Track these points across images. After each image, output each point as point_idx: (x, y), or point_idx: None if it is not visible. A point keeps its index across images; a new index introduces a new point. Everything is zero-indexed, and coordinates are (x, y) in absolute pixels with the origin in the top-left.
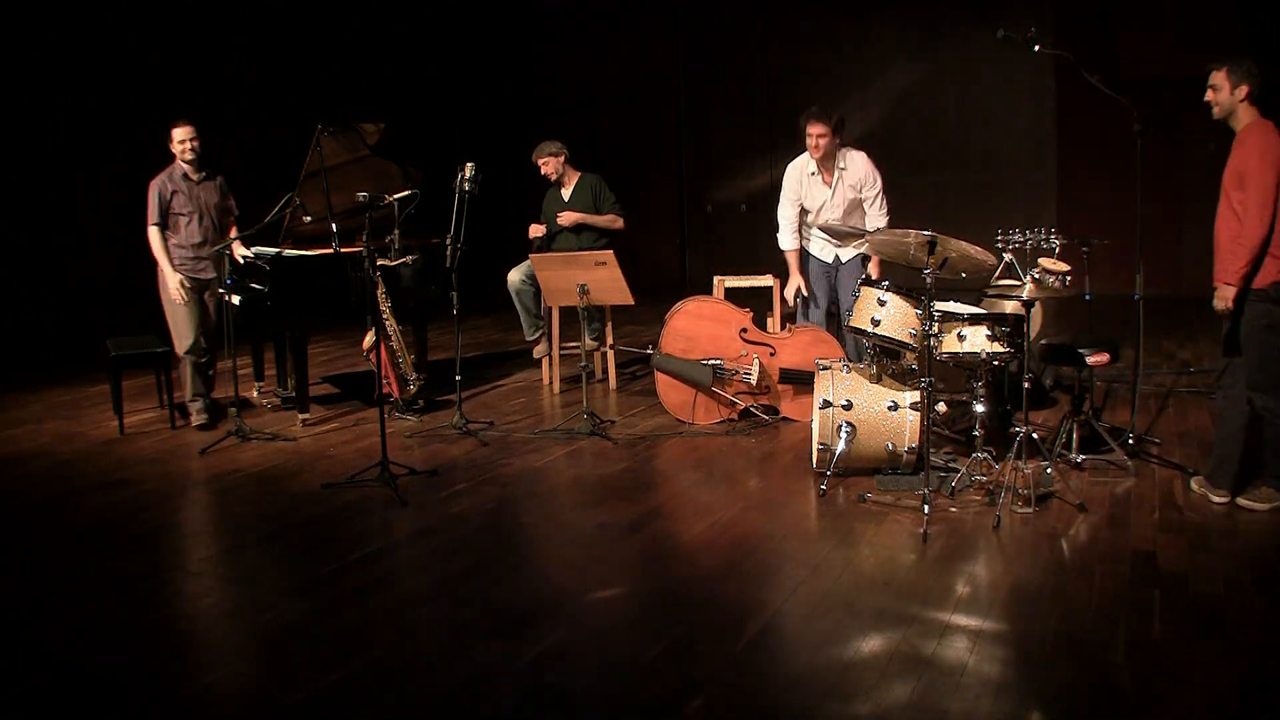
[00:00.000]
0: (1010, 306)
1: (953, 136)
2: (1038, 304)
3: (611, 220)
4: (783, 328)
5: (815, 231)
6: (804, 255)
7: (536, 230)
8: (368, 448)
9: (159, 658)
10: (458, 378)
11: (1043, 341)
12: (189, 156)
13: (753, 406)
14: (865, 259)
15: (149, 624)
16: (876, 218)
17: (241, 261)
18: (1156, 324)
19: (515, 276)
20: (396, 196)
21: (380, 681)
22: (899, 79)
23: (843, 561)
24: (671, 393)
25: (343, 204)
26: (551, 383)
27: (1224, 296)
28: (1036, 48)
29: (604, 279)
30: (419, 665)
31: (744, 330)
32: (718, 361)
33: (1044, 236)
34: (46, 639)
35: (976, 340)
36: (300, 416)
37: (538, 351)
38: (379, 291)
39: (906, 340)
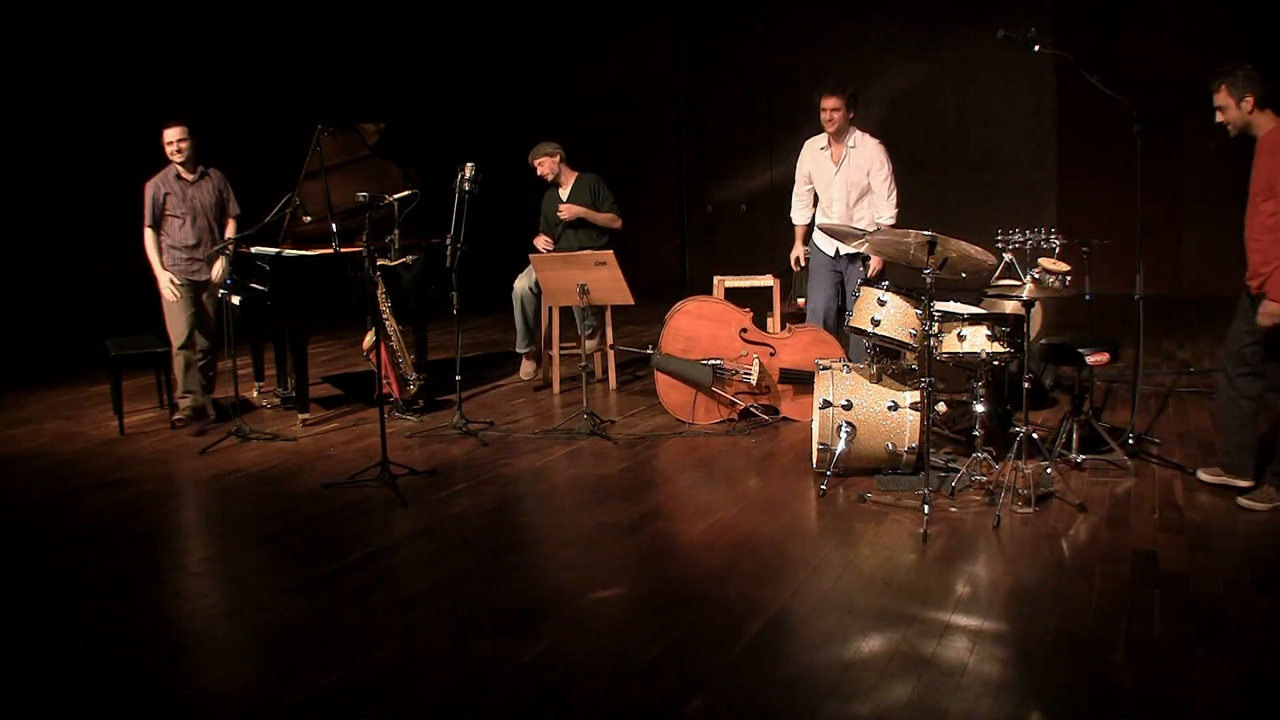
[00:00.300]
0: (1010, 306)
1: (953, 136)
2: (1038, 304)
3: (610, 219)
4: (783, 328)
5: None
6: (812, 246)
7: (543, 243)
8: (368, 448)
9: (159, 658)
10: (458, 378)
11: (1043, 341)
12: (179, 158)
13: (753, 406)
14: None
15: (149, 624)
16: (884, 206)
17: (231, 252)
18: (1156, 324)
19: (521, 284)
20: (396, 196)
21: (380, 681)
22: (899, 79)
23: (843, 561)
24: (671, 393)
25: (343, 204)
26: (551, 383)
27: (1272, 313)
28: (1036, 48)
29: (604, 279)
30: (419, 665)
31: (744, 330)
32: (718, 361)
33: (1044, 236)
34: (46, 639)
35: (976, 340)
36: (300, 416)
37: (525, 372)
38: (379, 291)
39: (906, 340)
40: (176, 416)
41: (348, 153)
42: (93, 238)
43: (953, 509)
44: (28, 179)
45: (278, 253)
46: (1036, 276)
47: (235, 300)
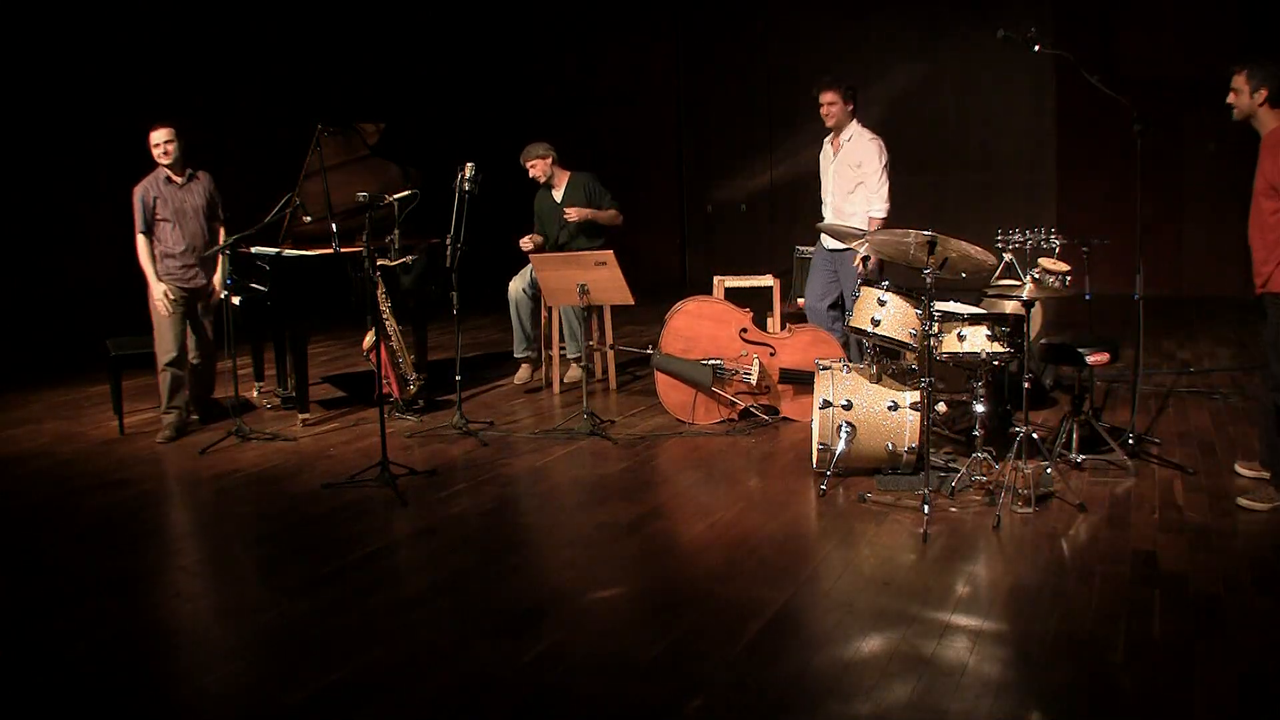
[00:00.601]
0: (1010, 306)
1: (953, 136)
2: (1038, 304)
3: (614, 217)
4: (783, 328)
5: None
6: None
7: (528, 243)
8: (368, 448)
9: (159, 658)
10: (458, 378)
11: (1043, 341)
12: (166, 160)
13: (753, 406)
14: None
15: (149, 624)
16: (873, 198)
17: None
18: (1156, 324)
19: (516, 285)
20: (396, 196)
21: (380, 681)
22: (899, 79)
23: (843, 561)
24: (671, 393)
25: (343, 204)
26: (552, 383)
27: None
28: (1036, 48)
29: (604, 279)
30: (419, 665)
31: (744, 330)
32: (718, 361)
33: (1044, 236)
34: (46, 639)
35: (976, 340)
36: (300, 416)
37: (520, 377)
38: (379, 291)
39: (906, 340)
40: (158, 439)
41: (348, 153)
42: (93, 238)
43: (953, 509)
44: (28, 179)
45: (278, 253)
46: (1036, 276)
47: (235, 300)
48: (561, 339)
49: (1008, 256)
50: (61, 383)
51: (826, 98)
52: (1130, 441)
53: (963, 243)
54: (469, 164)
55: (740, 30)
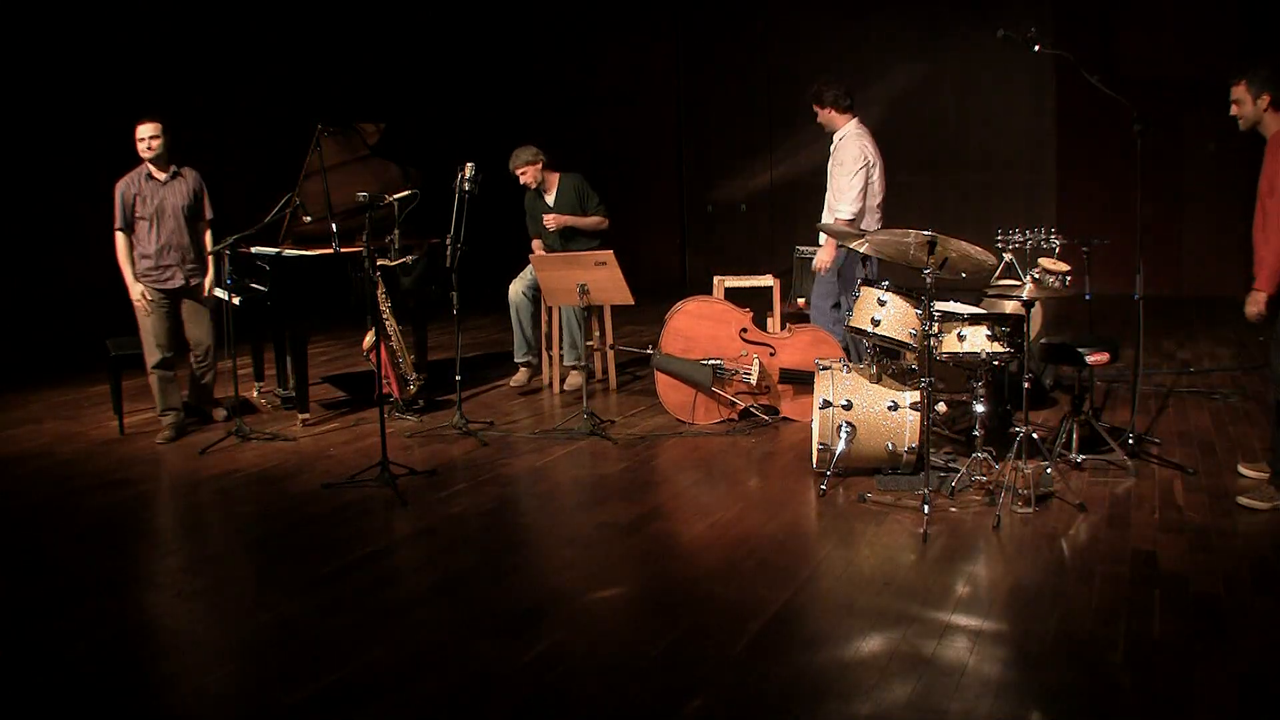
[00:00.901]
0: (1010, 306)
1: (953, 136)
2: (1038, 304)
3: (598, 222)
4: (783, 328)
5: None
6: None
7: (540, 248)
8: (368, 448)
9: (159, 658)
10: (458, 378)
11: (1043, 341)
12: (149, 155)
13: (753, 406)
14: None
15: (149, 624)
16: (837, 197)
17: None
18: (1156, 324)
19: (516, 288)
20: (396, 196)
21: (380, 681)
22: (899, 79)
23: (843, 561)
24: (671, 393)
25: (343, 204)
26: (552, 383)
27: (1255, 301)
28: (1036, 48)
29: (604, 279)
30: (419, 665)
31: (744, 330)
32: (718, 361)
33: (1044, 236)
34: (46, 639)
35: (976, 340)
36: (300, 416)
37: (516, 379)
38: (379, 291)
39: (906, 340)
40: (158, 440)
41: (348, 153)
42: (93, 238)
43: (953, 509)
44: (28, 179)
45: (278, 253)
46: (1036, 276)
47: (235, 300)
48: (561, 343)
49: (1008, 256)
50: (61, 383)
51: (816, 110)
52: (1130, 441)
53: (963, 243)
54: (469, 164)
55: (740, 30)
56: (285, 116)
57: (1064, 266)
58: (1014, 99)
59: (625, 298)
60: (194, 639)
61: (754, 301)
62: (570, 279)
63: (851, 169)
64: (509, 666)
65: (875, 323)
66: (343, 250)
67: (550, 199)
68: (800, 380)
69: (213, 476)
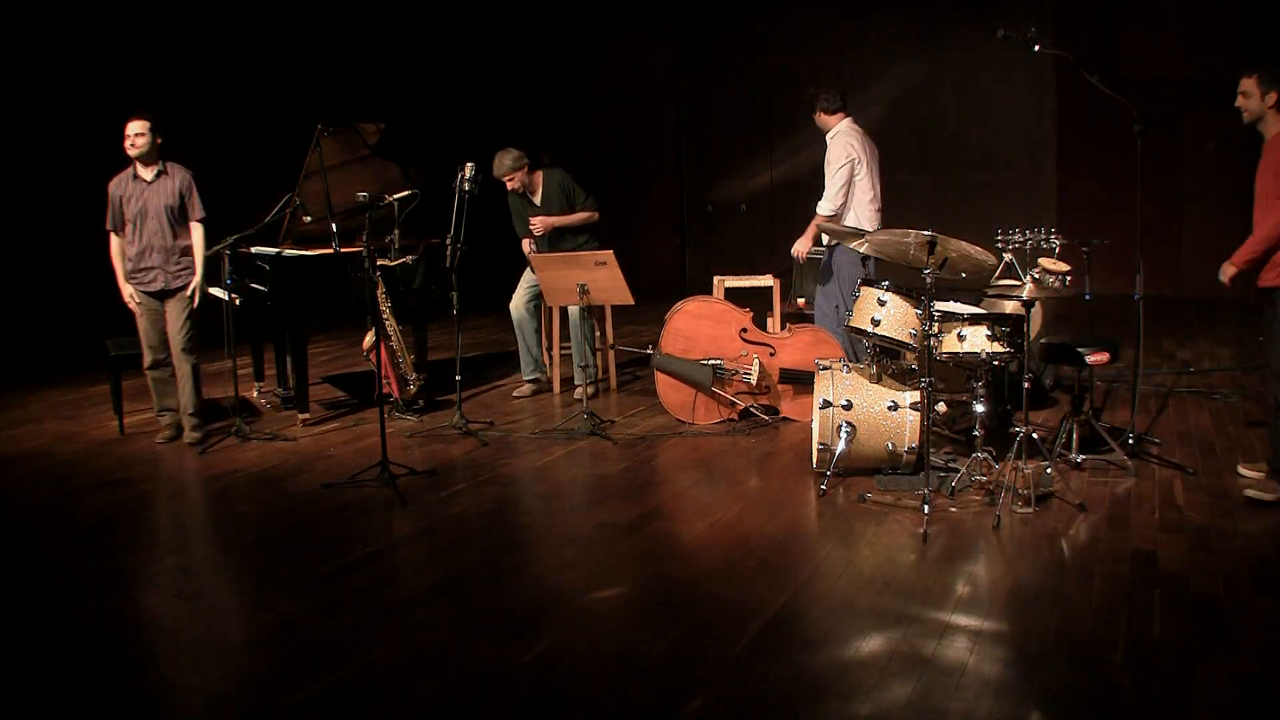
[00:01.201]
0: (1010, 306)
1: (953, 136)
2: (1038, 304)
3: (587, 217)
4: (783, 328)
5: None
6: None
7: (530, 245)
8: (368, 448)
9: (159, 657)
10: (458, 378)
11: (1043, 341)
12: (133, 152)
13: (753, 406)
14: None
15: (149, 624)
16: (824, 195)
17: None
18: (1156, 324)
19: (517, 303)
20: (396, 196)
21: (380, 681)
22: (899, 79)
23: (843, 561)
24: (671, 393)
25: (343, 204)
26: (552, 384)
27: (1224, 270)
28: (1036, 48)
29: (604, 279)
30: (419, 665)
31: (744, 330)
32: (718, 361)
33: (1044, 236)
34: (46, 639)
35: (976, 340)
36: (300, 416)
37: (521, 392)
38: (379, 291)
39: (906, 340)
40: (158, 440)
41: (348, 153)
42: (92, 238)
43: (953, 509)
44: (28, 179)
45: (278, 253)
46: (1036, 276)
47: (236, 300)
48: (565, 341)
49: (1008, 256)
50: (61, 383)
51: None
52: (1130, 441)
53: (963, 243)
54: (469, 164)
55: (740, 30)
56: (285, 116)
57: (1064, 266)
58: (1014, 99)
59: (625, 298)
60: (194, 639)
61: (754, 301)
62: (570, 279)
63: (834, 166)
64: (509, 666)
65: (875, 323)
66: (343, 250)
67: (537, 200)
68: (800, 380)
69: (213, 476)
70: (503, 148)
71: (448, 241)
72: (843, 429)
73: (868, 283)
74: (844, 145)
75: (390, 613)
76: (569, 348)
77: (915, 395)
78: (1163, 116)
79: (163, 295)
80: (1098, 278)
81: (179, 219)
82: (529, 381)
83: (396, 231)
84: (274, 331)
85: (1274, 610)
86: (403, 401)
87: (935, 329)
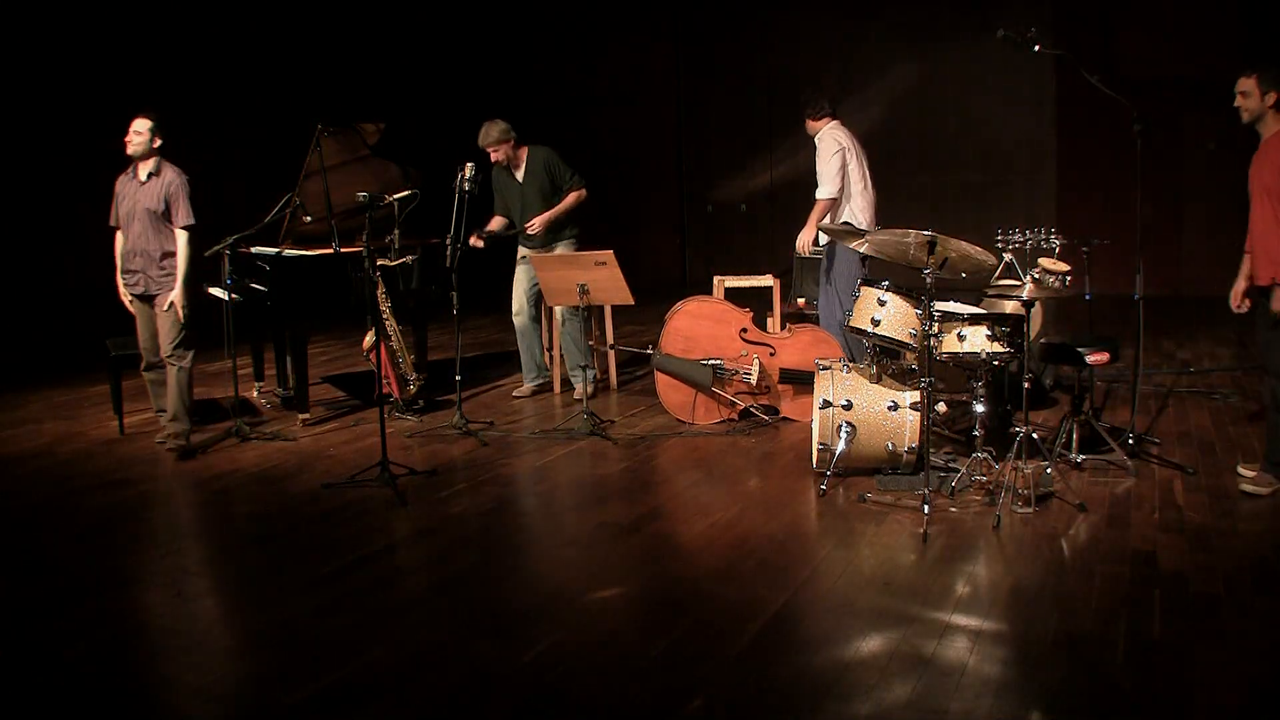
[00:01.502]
0: (1010, 306)
1: (952, 136)
2: (1038, 304)
3: (574, 200)
4: (783, 328)
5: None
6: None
7: (479, 241)
8: (368, 448)
9: (159, 658)
10: (458, 378)
11: (1043, 341)
12: (129, 150)
13: (753, 406)
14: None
15: (149, 624)
16: (820, 183)
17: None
18: (1156, 324)
19: (520, 315)
20: (396, 196)
21: (380, 681)
22: (899, 79)
23: (843, 561)
24: (671, 393)
25: (343, 204)
26: (552, 384)
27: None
28: (1036, 48)
29: (604, 279)
30: (419, 665)
31: (744, 330)
32: (718, 361)
33: (1044, 236)
34: (46, 639)
35: (976, 340)
36: (300, 416)
37: (522, 392)
38: (379, 291)
39: (906, 340)
40: (158, 440)
41: (348, 153)
42: (93, 238)
43: (953, 509)
44: (28, 179)
45: (278, 253)
46: (1036, 276)
47: (235, 299)
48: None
49: (1008, 256)
50: (61, 383)
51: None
52: (1130, 441)
53: (963, 243)
54: (469, 164)
55: (740, 30)
56: (285, 116)
57: (1064, 266)
58: (1014, 99)
59: (625, 298)
60: (194, 639)
61: (754, 301)
62: (570, 279)
63: (827, 155)
64: (509, 666)
65: (875, 323)
66: (343, 250)
67: (519, 175)
68: (800, 380)
69: (213, 476)
70: (491, 119)
71: (448, 241)
72: (843, 429)
73: (868, 283)
74: (832, 138)
75: (390, 613)
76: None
77: (915, 395)
78: (1163, 116)
79: (148, 299)
80: (1098, 278)
81: (163, 223)
82: (532, 384)
83: (396, 231)
84: (274, 331)
85: (1274, 610)
86: (403, 401)
87: (935, 329)
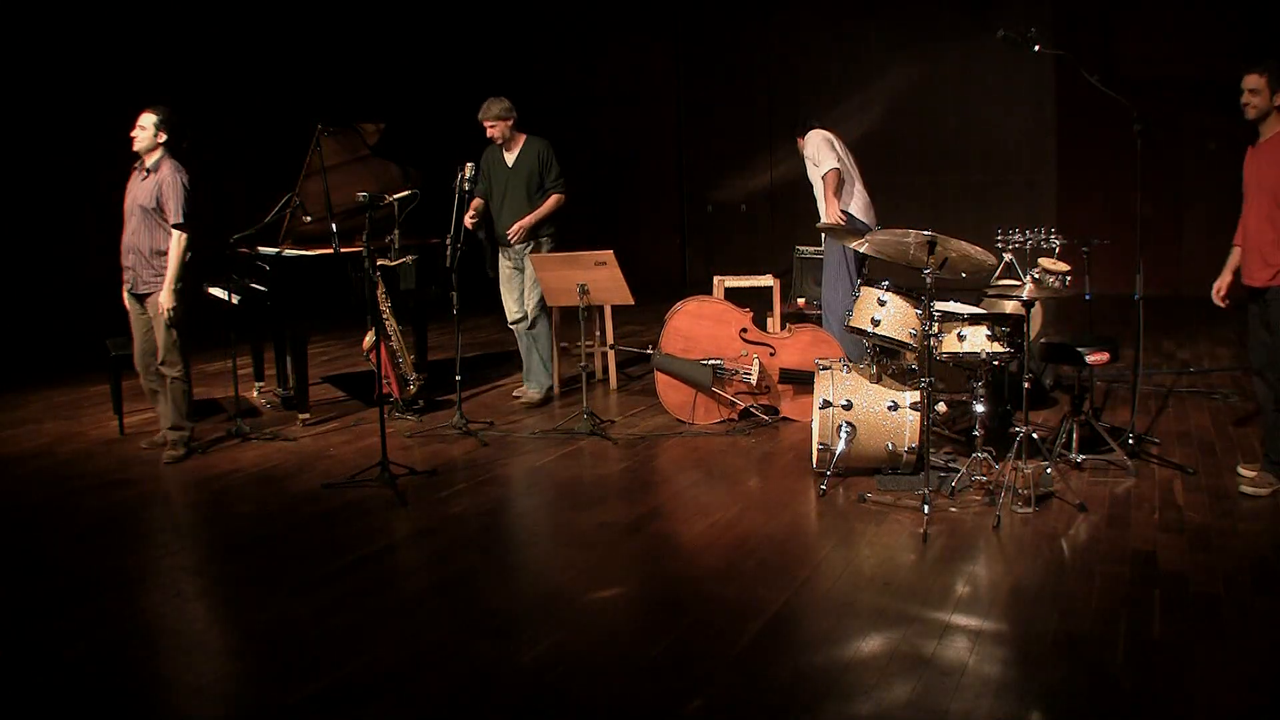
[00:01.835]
0: (1010, 306)
1: (952, 136)
2: (1038, 304)
3: (555, 202)
4: (783, 328)
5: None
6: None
7: (476, 208)
8: (368, 448)
9: (159, 657)
10: (458, 378)
11: (1043, 341)
12: (134, 146)
13: (753, 406)
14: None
15: (149, 624)
16: (814, 179)
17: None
18: (1156, 324)
19: (512, 318)
20: (396, 196)
21: (380, 681)
22: (899, 79)
23: (843, 561)
24: (671, 393)
25: (343, 204)
26: (552, 384)
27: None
28: (1036, 48)
29: (604, 279)
30: (419, 665)
31: (744, 330)
32: (718, 361)
33: (1044, 236)
34: (46, 639)
35: (976, 340)
36: (300, 416)
37: (519, 392)
38: (379, 291)
39: (906, 340)
40: (145, 443)
41: (348, 153)
42: (93, 238)
43: (953, 509)
44: (28, 179)
45: (278, 253)
46: (1036, 276)
47: (235, 299)
48: (563, 341)
49: (1008, 256)
50: (61, 383)
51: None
52: (1130, 441)
53: (963, 243)
54: (469, 164)
55: (740, 30)
56: (285, 116)
57: (1064, 266)
58: (1014, 99)
59: (625, 298)
60: (194, 639)
61: (754, 301)
62: (570, 279)
63: (814, 143)
64: (509, 666)
65: (875, 323)
66: (343, 250)
67: (510, 158)
68: (800, 380)
69: (213, 476)
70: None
71: (448, 241)
72: (843, 429)
73: (868, 283)
74: (821, 137)
75: (390, 613)
76: (567, 346)
77: (915, 395)
78: (1163, 116)
79: (140, 298)
80: (1098, 278)
81: (156, 221)
82: (535, 392)
83: (396, 231)
84: (274, 331)
85: (1274, 610)
86: (403, 401)
87: (935, 329)
